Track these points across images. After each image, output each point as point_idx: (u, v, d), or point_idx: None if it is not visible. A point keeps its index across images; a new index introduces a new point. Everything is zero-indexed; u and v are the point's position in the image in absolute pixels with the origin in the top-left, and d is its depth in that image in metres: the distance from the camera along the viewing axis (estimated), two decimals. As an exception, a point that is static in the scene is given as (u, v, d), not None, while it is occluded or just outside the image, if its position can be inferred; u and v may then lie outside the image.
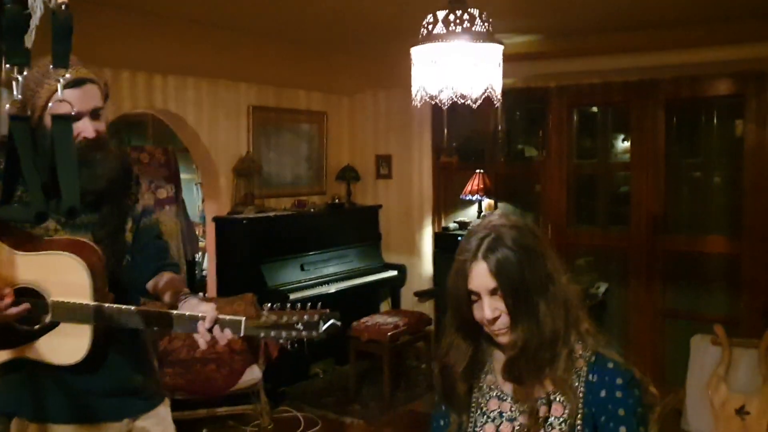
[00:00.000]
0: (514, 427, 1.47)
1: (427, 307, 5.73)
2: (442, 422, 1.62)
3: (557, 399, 1.46)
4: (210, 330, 1.66)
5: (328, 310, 1.63)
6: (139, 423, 1.96)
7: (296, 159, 5.70)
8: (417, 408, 4.87)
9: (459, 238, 5.35)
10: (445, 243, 5.51)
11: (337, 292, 5.18)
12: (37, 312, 1.71)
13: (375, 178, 6.06)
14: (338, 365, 5.49)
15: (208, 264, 5.18)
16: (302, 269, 5.13)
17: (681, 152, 5.06)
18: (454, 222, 5.68)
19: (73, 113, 1.61)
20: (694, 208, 5.12)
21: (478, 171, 5.45)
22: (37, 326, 1.73)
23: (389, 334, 4.91)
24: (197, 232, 6.12)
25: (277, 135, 5.50)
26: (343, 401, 4.89)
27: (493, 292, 1.43)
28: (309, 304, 1.64)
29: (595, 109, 5.53)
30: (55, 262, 1.71)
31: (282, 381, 4.91)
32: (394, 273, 5.78)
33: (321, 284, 5.15)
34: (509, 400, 1.51)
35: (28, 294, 1.71)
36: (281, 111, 5.52)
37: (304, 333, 1.60)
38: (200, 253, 6.15)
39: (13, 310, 1.65)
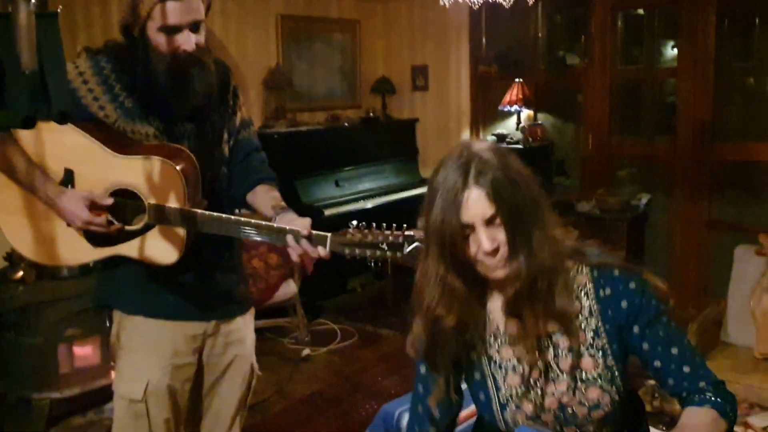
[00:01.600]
0: (540, 371, 1.38)
1: (465, 222, 5.65)
2: (421, 388, 1.54)
3: (561, 331, 1.38)
4: (298, 242, 1.68)
5: (413, 233, 1.58)
6: (225, 327, 2.00)
7: (329, 71, 5.56)
8: (453, 321, 4.88)
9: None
10: (482, 156, 5.37)
11: (374, 208, 5.14)
12: (135, 212, 1.77)
13: (411, 90, 5.89)
14: (376, 280, 5.52)
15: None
16: (337, 185, 5.08)
17: (732, 56, 4.75)
18: (492, 135, 5.52)
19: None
20: (746, 115, 4.85)
21: (517, 81, 5.24)
22: (134, 226, 1.78)
23: (425, 248, 4.88)
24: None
25: (309, 46, 5.35)
26: (380, 314, 4.94)
27: (489, 221, 1.29)
28: (394, 225, 1.63)
29: (641, 11, 5.19)
30: (152, 166, 1.74)
31: (319, 295, 4.97)
32: (432, 188, 5.69)
33: (356, 200, 5.10)
34: (519, 343, 1.40)
35: (126, 195, 1.77)
36: (312, 20, 5.35)
37: (388, 253, 1.59)
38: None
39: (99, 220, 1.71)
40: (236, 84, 2.03)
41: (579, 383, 1.36)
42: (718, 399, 1.34)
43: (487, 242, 1.29)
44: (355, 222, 1.63)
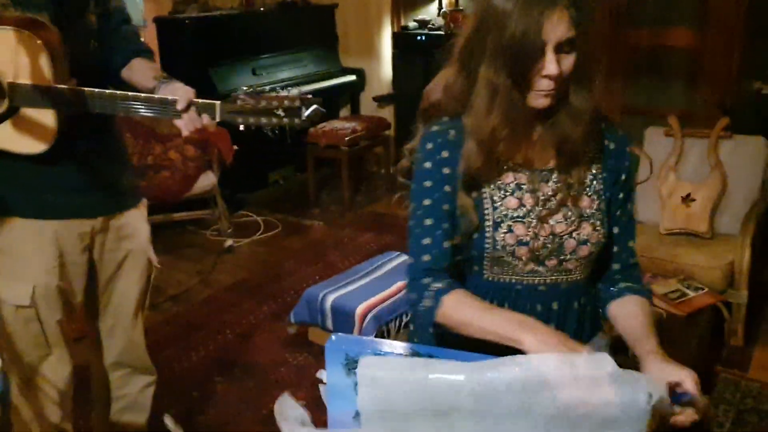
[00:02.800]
0: (537, 198, 1.40)
1: (387, 113, 5.62)
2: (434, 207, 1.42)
3: (565, 167, 1.41)
4: (185, 112, 1.56)
5: (309, 95, 1.50)
6: (114, 222, 1.90)
7: (242, -48, 5.26)
8: (377, 209, 4.94)
9: (419, 38, 5.16)
10: (405, 44, 5.28)
11: (294, 98, 5.02)
12: None
13: (329, -27, 5.67)
14: (298, 173, 5.47)
15: (154, 69, 4.93)
16: (254, 73, 4.91)
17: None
18: (414, 21, 5.40)
19: None
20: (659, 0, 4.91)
21: (438, -36, 5.11)
22: None
23: (347, 138, 4.86)
24: (141, 38, 5.78)
25: (220, -76, 5.03)
26: (303, 206, 4.94)
27: (562, 47, 1.26)
28: (289, 88, 1.52)
29: None
30: (9, 39, 1.55)
31: (241, 188, 4.91)
32: (353, 77, 5.59)
33: (275, 89, 4.95)
34: (524, 171, 1.40)
35: None
36: None
37: (285, 119, 1.49)
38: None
39: None
40: None
41: (575, 217, 1.40)
42: (641, 286, 1.52)
43: (554, 66, 1.26)
44: (245, 87, 1.52)
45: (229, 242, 4.19)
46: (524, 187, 1.40)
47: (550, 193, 1.40)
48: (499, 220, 1.39)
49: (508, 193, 1.40)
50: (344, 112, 5.82)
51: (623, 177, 1.46)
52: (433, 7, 5.39)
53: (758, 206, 3.20)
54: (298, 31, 5.36)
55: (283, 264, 3.99)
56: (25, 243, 1.78)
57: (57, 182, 1.77)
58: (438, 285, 1.36)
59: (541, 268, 1.41)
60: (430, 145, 1.41)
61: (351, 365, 1.27)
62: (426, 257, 1.39)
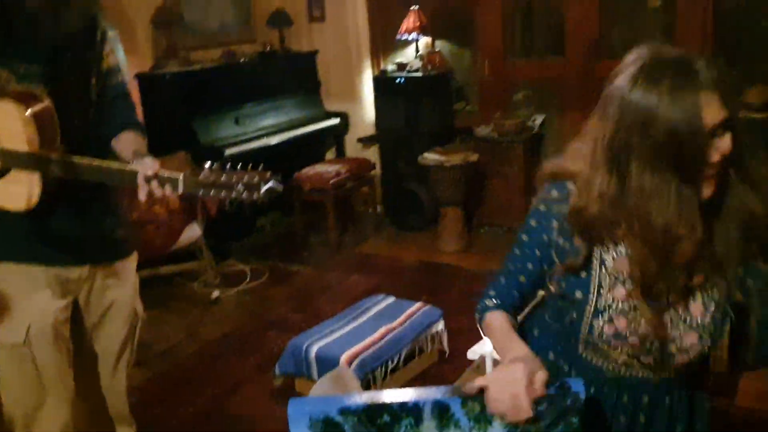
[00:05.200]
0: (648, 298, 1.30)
1: (372, 153, 5.69)
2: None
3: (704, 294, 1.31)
4: (147, 183, 1.65)
5: (268, 173, 1.56)
6: (102, 271, 2.00)
7: (221, 5, 5.35)
8: (364, 250, 4.97)
9: (398, 80, 5.24)
10: (385, 86, 5.36)
11: (280, 144, 5.09)
12: None
13: (308, 21, 5.77)
14: (285, 217, 5.51)
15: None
16: (237, 123, 4.98)
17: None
18: (393, 64, 5.50)
19: None
20: (631, 31, 5.01)
21: (413, 8, 5.21)
22: None
23: (332, 181, 4.91)
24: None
25: (197, -21, 5.13)
26: (291, 251, 4.97)
27: (714, 132, 1.19)
28: (250, 165, 1.60)
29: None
30: (3, 109, 1.72)
31: (227, 237, 4.93)
32: (336, 121, 5.66)
33: (259, 137, 5.03)
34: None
35: None
36: (198, -48, 5.11)
37: (244, 194, 1.55)
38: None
39: None
40: (105, 29, 1.96)
41: (680, 323, 1.30)
42: None
43: (728, 142, 1.19)
44: (209, 162, 1.60)
45: (216, 293, 4.21)
46: (635, 280, 1.30)
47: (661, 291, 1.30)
48: (601, 308, 1.33)
49: (618, 282, 1.32)
50: (330, 154, 5.88)
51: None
52: (411, 50, 5.49)
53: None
54: (280, 79, 5.45)
55: (270, 313, 4.01)
56: (18, 285, 1.88)
57: (45, 232, 1.87)
58: (490, 302, 1.46)
59: (635, 363, 1.37)
60: (543, 207, 1.40)
61: (316, 428, 1.29)
62: (492, 291, 1.48)
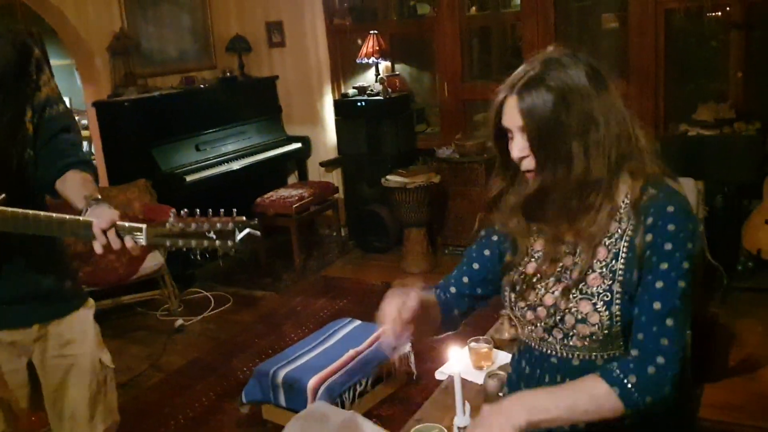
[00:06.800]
0: (553, 270, 1.42)
1: (334, 176, 5.69)
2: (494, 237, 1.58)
3: (578, 252, 1.39)
4: (105, 235, 1.52)
5: (244, 218, 1.42)
6: (53, 328, 1.84)
7: (179, 32, 5.34)
8: (329, 273, 4.95)
9: (359, 104, 5.27)
10: (346, 110, 5.38)
11: (242, 170, 5.06)
12: None
13: (268, 47, 5.78)
14: (249, 242, 5.45)
15: (95, 153, 4.92)
16: (198, 149, 4.95)
17: (571, -3, 4.98)
18: (353, 88, 5.53)
19: None
20: (587, 50, 5.11)
21: (372, 32, 5.25)
22: None
23: (295, 205, 4.89)
24: (85, 121, 5.78)
25: (154, 7, 5.11)
26: (255, 276, 4.92)
27: (522, 130, 1.34)
28: (222, 210, 1.46)
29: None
30: None
31: (190, 264, 4.86)
32: (298, 145, 5.66)
33: (220, 163, 5.00)
34: (551, 241, 1.45)
35: None
36: (154, -21, 5.09)
37: (217, 242, 1.41)
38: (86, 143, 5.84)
39: None
40: (39, 56, 1.80)
41: (576, 292, 1.37)
42: (628, 376, 1.26)
43: (516, 150, 1.36)
44: (174, 210, 1.48)
45: (179, 322, 4.14)
46: (548, 256, 1.44)
47: (564, 264, 1.41)
48: (515, 282, 1.48)
49: (533, 260, 1.47)
50: (293, 179, 5.86)
51: (654, 257, 1.30)
52: (371, 74, 5.52)
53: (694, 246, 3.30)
54: (240, 105, 5.43)
55: (235, 339, 3.95)
56: None
57: None
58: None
59: (550, 339, 1.43)
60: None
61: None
62: (442, 281, 1.63)
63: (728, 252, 3.94)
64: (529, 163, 1.36)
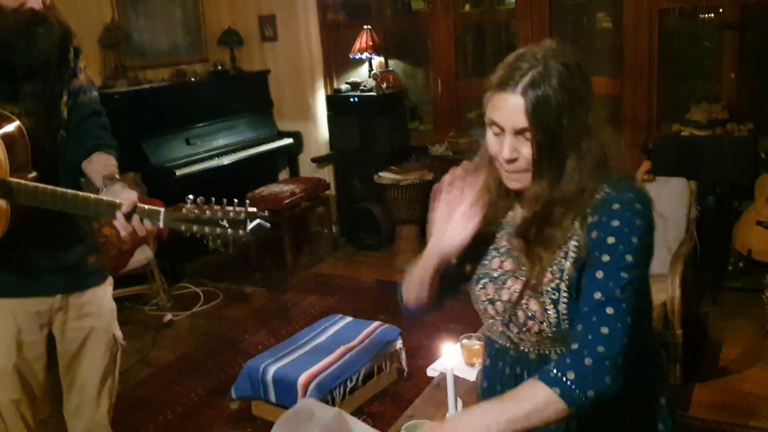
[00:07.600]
0: (515, 267, 1.41)
1: (326, 173, 5.66)
2: None
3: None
4: (129, 218, 1.58)
5: (255, 209, 1.48)
6: (74, 300, 1.93)
7: (170, 24, 5.30)
8: (320, 270, 4.92)
9: (352, 100, 5.26)
10: (339, 105, 5.35)
11: (232, 164, 5.03)
12: None
13: (260, 41, 5.74)
14: (239, 238, 5.42)
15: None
16: (188, 143, 4.91)
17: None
18: (346, 83, 5.50)
19: None
20: (582, 49, 5.12)
21: (365, 28, 5.23)
22: None
23: (286, 201, 4.86)
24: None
25: (145, -1, 5.07)
26: (245, 272, 4.89)
27: (519, 132, 1.28)
28: (236, 201, 1.52)
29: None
30: None
31: (180, 259, 4.83)
32: (290, 141, 5.63)
33: (211, 158, 4.96)
34: (514, 238, 1.43)
35: None
36: (146, -29, 5.05)
37: (229, 231, 1.47)
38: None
39: None
40: (78, 45, 1.93)
41: (528, 290, 1.36)
42: (567, 373, 1.21)
43: (508, 150, 1.30)
44: (191, 196, 1.52)
45: (168, 317, 4.11)
46: (513, 253, 1.43)
47: (524, 263, 1.40)
48: (480, 276, 1.47)
49: (497, 256, 1.47)
50: (284, 174, 5.83)
51: (596, 251, 1.28)
52: (364, 69, 5.50)
53: (685, 245, 3.30)
54: (231, 99, 5.39)
55: (225, 335, 3.92)
56: None
57: (14, 262, 1.82)
58: None
59: (508, 333, 1.43)
60: None
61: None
62: None
63: (719, 252, 3.95)
64: (519, 166, 1.31)
